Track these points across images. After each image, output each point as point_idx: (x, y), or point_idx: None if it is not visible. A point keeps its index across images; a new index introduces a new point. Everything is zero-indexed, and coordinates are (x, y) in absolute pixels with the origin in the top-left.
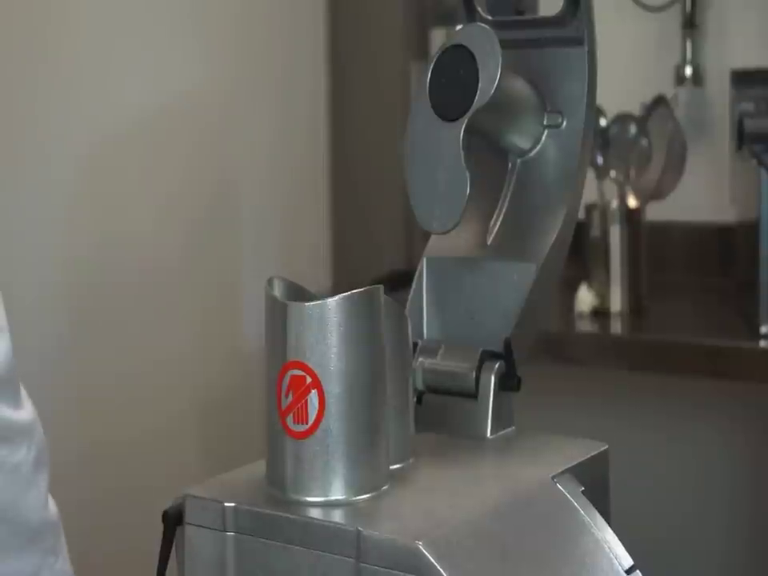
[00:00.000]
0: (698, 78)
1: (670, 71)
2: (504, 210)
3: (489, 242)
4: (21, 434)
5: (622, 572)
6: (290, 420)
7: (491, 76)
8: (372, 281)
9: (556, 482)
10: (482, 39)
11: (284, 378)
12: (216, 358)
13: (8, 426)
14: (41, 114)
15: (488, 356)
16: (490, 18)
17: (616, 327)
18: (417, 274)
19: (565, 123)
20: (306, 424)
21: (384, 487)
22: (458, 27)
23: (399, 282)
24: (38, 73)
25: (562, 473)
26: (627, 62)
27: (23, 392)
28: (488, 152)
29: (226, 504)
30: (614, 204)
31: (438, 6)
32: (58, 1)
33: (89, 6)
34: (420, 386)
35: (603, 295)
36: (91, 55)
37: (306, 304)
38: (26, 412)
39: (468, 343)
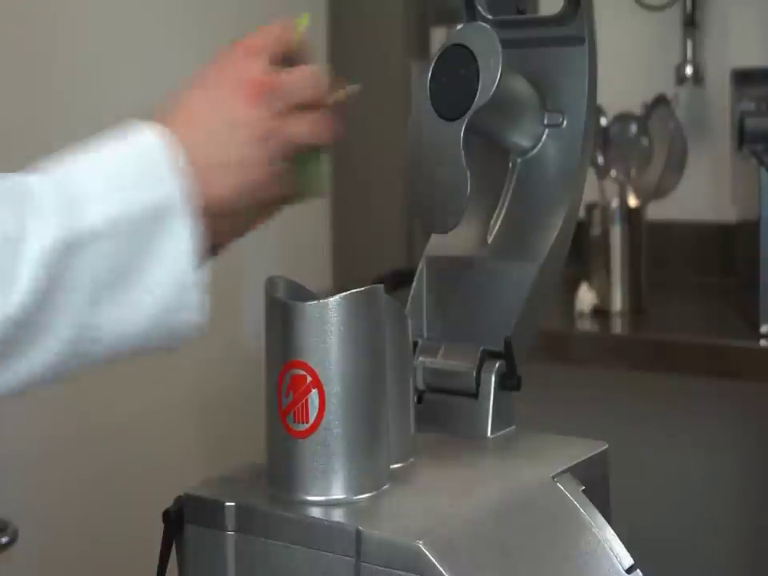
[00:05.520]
0: (698, 78)
1: (670, 71)
2: (504, 209)
3: (489, 242)
4: None
5: (623, 571)
6: (290, 419)
7: (492, 75)
8: (373, 280)
9: (556, 482)
10: (482, 38)
11: (284, 378)
12: (216, 358)
13: None
14: (40, 115)
15: (488, 355)
16: (490, 17)
17: (616, 326)
18: (417, 273)
19: (565, 122)
20: (307, 423)
21: (384, 486)
22: (459, 26)
23: (400, 281)
24: (37, 74)
25: (563, 472)
26: (628, 62)
27: None
28: (488, 151)
29: (227, 503)
30: (615, 203)
31: (439, 6)
32: (57, 2)
33: (88, 6)
34: (420, 385)
35: (604, 294)
36: (91, 56)
37: (307, 304)
38: None
39: (468, 342)
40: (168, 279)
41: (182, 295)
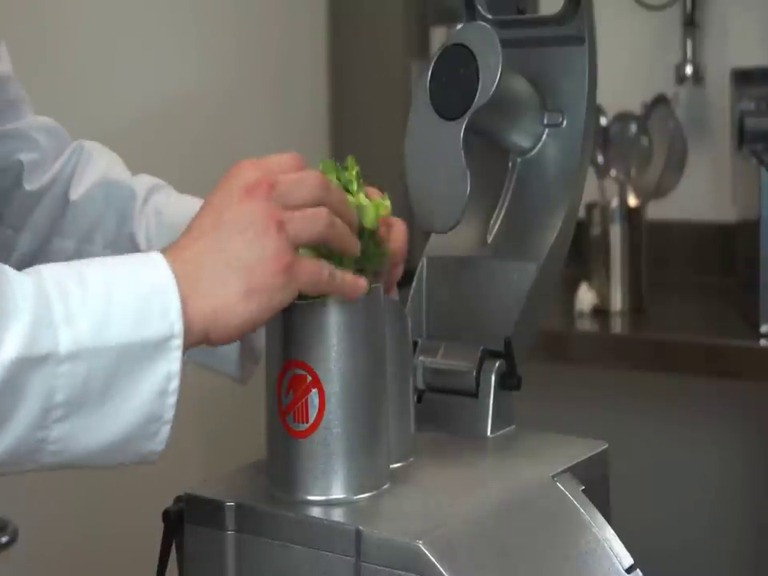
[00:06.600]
0: (698, 77)
1: (670, 70)
2: (504, 209)
3: (489, 241)
4: None
5: (623, 571)
6: (290, 419)
7: (492, 75)
8: None
9: (556, 481)
10: (482, 38)
11: (284, 377)
12: None
13: None
14: (40, 114)
15: (488, 355)
16: (490, 16)
17: (616, 326)
18: (417, 273)
19: (565, 122)
20: (307, 423)
21: (384, 486)
22: (459, 26)
23: (400, 281)
24: (38, 73)
25: (563, 472)
26: (628, 61)
27: None
28: (488, 151)
29: (227, 503)
30: (615, 203)
31: (439, 5)
32: (58, 1)
33: (90, 6)
34: (420, 384)
35: (603, 294)
36: (91, 56)
37: (307, 303)
38: None
39: (468, 342)
40: (140, 412)
41: (150, 427)
